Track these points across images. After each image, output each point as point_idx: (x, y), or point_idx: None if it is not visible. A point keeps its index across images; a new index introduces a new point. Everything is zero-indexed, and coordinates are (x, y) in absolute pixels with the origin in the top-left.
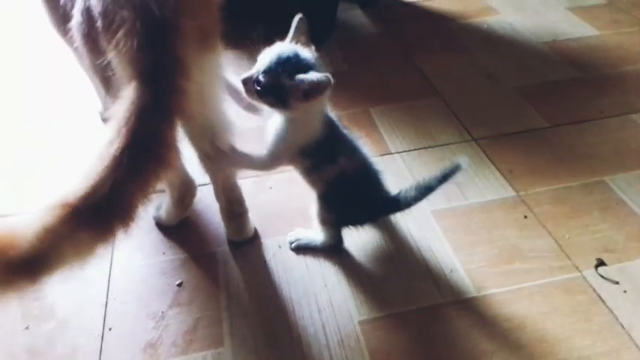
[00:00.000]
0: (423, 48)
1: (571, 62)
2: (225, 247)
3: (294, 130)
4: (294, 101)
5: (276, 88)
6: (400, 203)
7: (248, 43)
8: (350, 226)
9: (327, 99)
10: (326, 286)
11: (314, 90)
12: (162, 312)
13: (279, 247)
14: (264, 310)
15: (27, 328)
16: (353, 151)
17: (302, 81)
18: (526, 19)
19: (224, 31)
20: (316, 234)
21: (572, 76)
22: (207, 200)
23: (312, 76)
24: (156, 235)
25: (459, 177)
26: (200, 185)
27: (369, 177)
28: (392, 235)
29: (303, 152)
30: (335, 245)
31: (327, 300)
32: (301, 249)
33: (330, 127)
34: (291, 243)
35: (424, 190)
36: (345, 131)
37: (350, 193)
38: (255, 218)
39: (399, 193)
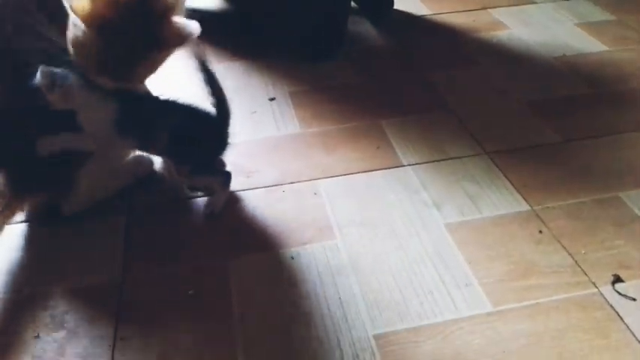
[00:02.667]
0: (433, 62)
1: (582, 78)
2: (237, 259)
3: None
4: None
5: None
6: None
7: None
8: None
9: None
10: (340, 299)
11: None
12: (174, 322)
13: (292, 258)
14: (278, 324)
15: (37, 336)
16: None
17: None
18: (536, 35)
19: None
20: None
21: (583, 92)
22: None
23: None
24: (167, 244)
25: (471, 189)
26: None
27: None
28: (405, 248)
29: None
30: (225, 185)
31: (342, 314)
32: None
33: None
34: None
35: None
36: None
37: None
38: (267, 229)
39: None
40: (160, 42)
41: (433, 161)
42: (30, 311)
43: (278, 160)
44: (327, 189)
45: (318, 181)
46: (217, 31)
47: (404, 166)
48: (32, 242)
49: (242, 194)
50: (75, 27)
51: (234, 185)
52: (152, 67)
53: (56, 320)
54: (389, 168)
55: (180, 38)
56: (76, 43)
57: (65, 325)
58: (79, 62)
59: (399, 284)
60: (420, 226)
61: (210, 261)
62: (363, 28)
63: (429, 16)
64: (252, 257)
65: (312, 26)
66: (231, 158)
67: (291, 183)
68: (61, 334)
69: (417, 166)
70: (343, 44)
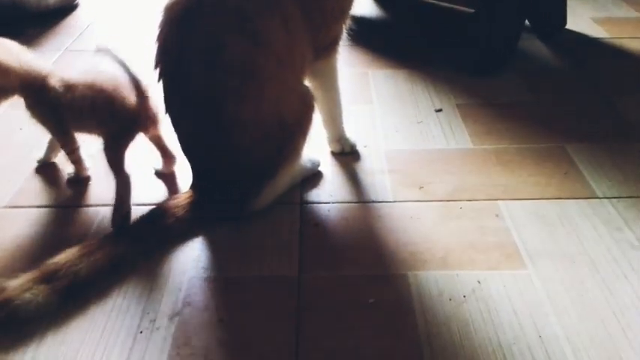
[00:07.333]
0: (619, 87)
1: None
2: (416, 272)
3: None
4: None
5: None
6: None
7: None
8: None
9: None
10: (540, 337)
11: None
12: (356, 327)
13: (479, 282)
14: (468, 350)
15: (221, 320)
16: None
17: None
18: None
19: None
20: None
21: None
22: (393, 219)
23: None
24: (344, 250)
25: None
26: (387, 202)
27: None
28: (613, 291)
29: None
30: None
31: (544, 354)
32: None
33: None
34: None
35: None
36: None
37: None
38: (447, 245)
39: None
40: None
41: (635, 197)
42: (218, 294)
43: (451, 174)
44: (510, 212)
45: (499, 202)
46: (380, 39)
47: (599, 198)
48: (220, 234)
49: (418, 205)
50: None
51: (407, 195)
52: None
53: (239, 309)
54: (582, 198)
55: None
56: None
57: (245, 318)
58: None
59: (611, 332)
60: (628, 269)
61: (388, 271)
62: (533, 45)
63: (607, 39)
64: (433, 273)
65: (485, 37)
66: (400, 166)
67: (469, 200)
68: (243, 321)
69: (615, 200)
70: (513, 58)
